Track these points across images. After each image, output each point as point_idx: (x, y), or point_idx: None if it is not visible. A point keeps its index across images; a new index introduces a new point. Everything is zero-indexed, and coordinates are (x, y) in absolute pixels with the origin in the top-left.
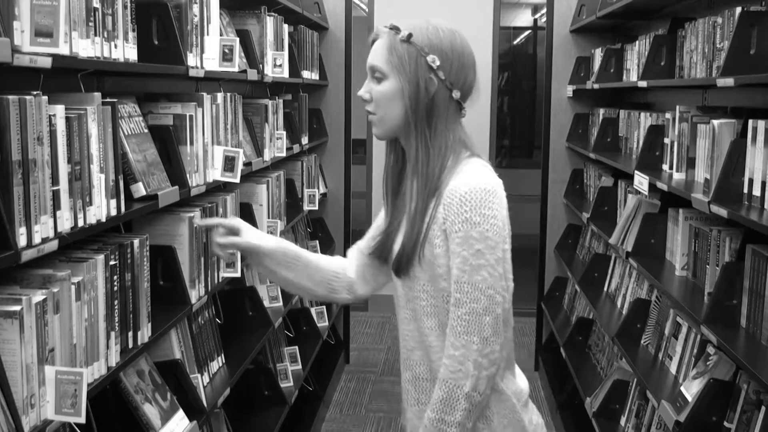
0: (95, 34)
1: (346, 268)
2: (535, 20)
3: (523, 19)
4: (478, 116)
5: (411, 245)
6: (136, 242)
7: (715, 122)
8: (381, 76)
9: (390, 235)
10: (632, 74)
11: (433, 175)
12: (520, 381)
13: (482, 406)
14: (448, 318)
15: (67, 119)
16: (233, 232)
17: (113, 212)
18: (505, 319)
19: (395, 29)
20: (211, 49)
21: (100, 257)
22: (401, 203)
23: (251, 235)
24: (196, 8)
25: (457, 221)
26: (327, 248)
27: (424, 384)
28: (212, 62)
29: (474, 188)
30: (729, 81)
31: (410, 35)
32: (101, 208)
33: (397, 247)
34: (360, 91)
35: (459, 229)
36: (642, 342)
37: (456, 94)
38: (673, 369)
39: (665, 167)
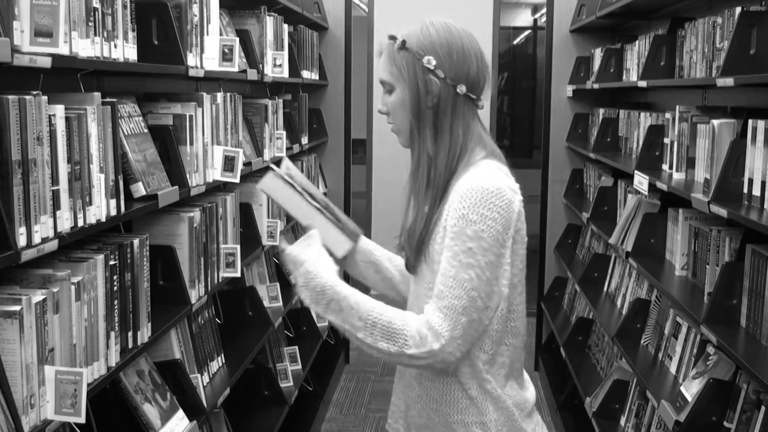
0: (95, 34)
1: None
2: (535, 20)
3: (523, 19)
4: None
5: (416, 244)
6: (136, 242)
7: (715, 122)
8: (390, 87)
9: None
10: (632, 74)
11: (439, 176)
12: (526, 391)
13: (392, 361)
14: None
15: (67, 119)
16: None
17: (113, 212)
18: (504, 327)
19: (393, 39)
20: (210, 49)
21: (100, 257)
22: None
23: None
24: (195, 8)
25: (454, 217)
26: None
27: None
28: (212, 62)
29: (475, 187)
30: (729, 81)
31: (404, 42)
32: (101, 208)
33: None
34: (378, 105)
35: (455, 224)
36: (642, 342)
37: (461, 89)
38: (673, 369)
39: (665, 167)
